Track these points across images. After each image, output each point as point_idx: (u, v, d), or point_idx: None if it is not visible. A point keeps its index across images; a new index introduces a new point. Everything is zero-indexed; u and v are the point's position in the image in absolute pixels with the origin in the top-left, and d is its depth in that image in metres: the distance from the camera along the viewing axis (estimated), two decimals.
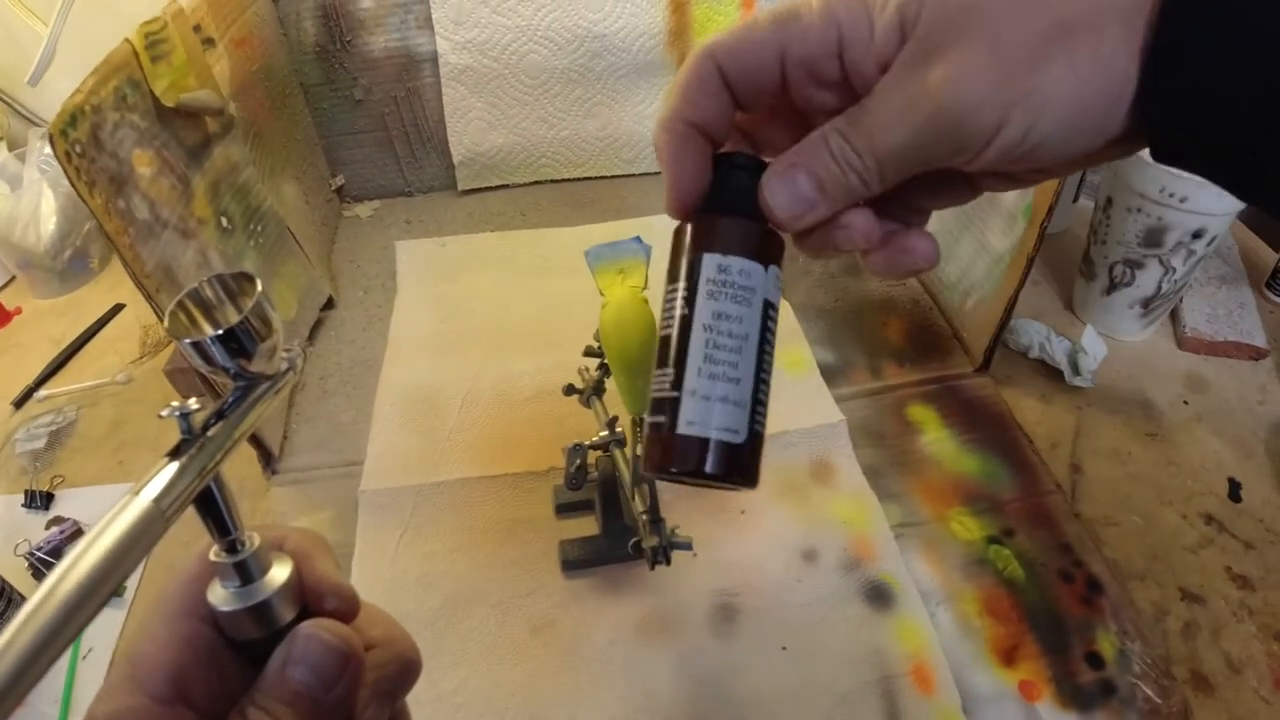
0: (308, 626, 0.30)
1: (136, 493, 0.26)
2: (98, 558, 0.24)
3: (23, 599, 0.73)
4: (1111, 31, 0.28)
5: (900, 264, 0.36)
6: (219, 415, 0.30)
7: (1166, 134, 0.28)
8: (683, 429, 0.33)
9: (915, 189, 0.34)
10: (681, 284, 0.34)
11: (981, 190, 0.36)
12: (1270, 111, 0.26)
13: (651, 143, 1.17)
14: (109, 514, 0.26)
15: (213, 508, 0.29)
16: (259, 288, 0.29)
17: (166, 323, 0.29)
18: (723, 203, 0.35)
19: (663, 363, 0.34)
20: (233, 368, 0.29)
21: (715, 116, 0.35)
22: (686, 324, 0.34)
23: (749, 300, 0.34)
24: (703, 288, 0.34)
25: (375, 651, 0.32)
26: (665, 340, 0.34)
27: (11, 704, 0.21)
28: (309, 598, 0.32)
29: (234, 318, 0.29)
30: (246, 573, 0.30)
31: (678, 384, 0.33)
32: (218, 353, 0.29)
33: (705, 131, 0.35)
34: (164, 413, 0.28)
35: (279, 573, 0.31)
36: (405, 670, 0.33)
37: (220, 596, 0.30)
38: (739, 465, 0.33)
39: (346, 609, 0.32)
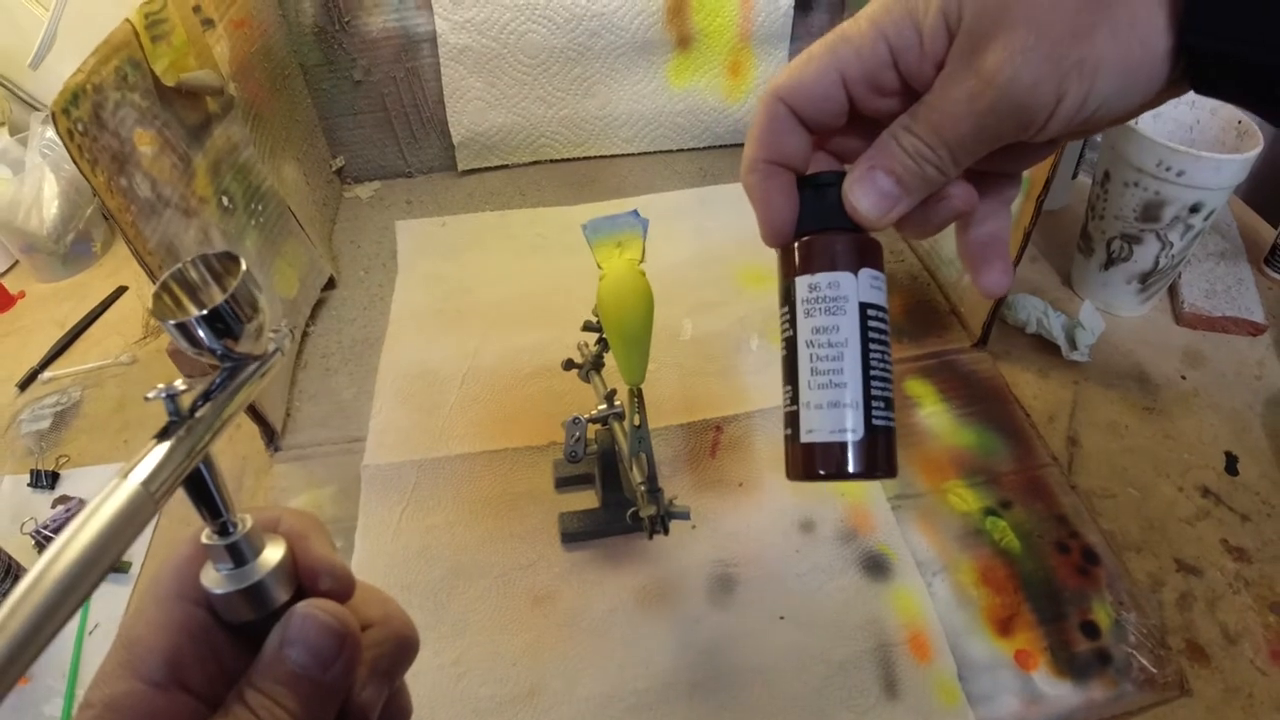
0: (303, 607, 0.30)
1: (125, 475, 0.26)
2: (86, 541, 0.24)
3: None
4: None
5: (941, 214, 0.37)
6: (206, 397, 0.30)
7: (1206, 65, 0.30)
8: (804, 438, 0.36)
9: (998, 157, 0.35)
10: (785, 308, 0.37)
11: (1059, 145, 0.37)
12: None
13: (651, 121, 1.19)
14: (98, 497, 0.25)
15: (203, 490, 0.29)
16: (244, 267, 0.29)
17: (151, 304, 0.29)
18: (810, 223, 0.37)
19: (786, 381, 0.37)
20: (219, 349, 0.29)
21: (793, 150, 0.37)
22: (792, 344, 0.36)
23: (843, 309, 0.36)
24: (800, 308, 0.36)
25: (372, 630, 0.32)
26: (784, 360, 0.37)
27: (6, 687, 0.21)
28: (304, 578, 0.32)
29: (219, 298, 0.28)
30: (239, 554, 0.30)
31: (794, 399, 0.36)
32: (203, 334, 0.28)
33: (788, 165, 0.37)
34: (150, 395, 0.28)
35: (272, 554, 0.31)
36: (402, 649, 0.33)
37: (213, 579, 0.30)
38: (862, 458, 0.35)
39: (342, 589, 0.32)
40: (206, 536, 0.30)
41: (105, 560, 0.25)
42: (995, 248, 0.38)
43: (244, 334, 0.29)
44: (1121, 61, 0.30)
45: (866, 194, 0.35)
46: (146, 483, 0.26)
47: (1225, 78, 0.30)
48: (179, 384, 0.28)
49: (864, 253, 0.37)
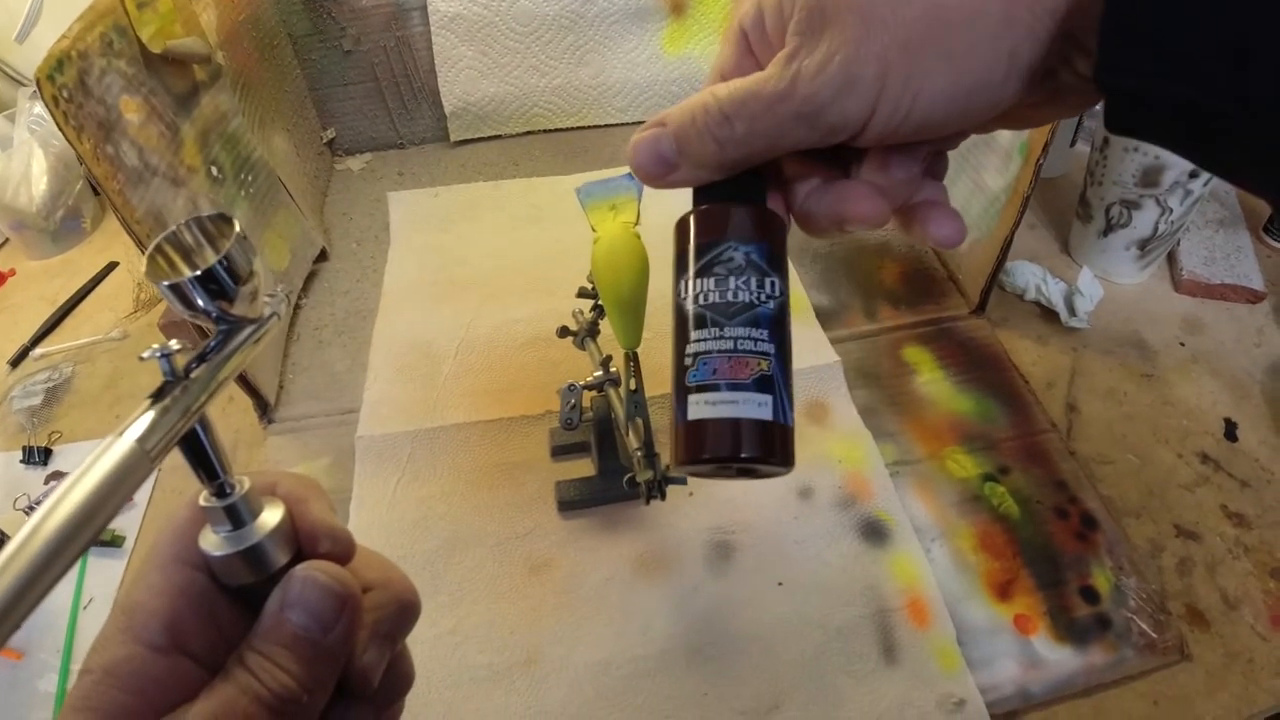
0: (303, 569, 0.30)
1: (120, 434, 0.26)
2: (81, 497, 0.24)
3: None
4: (991, 13, 0.28)
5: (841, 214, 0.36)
6: (202, 358, 0.29)
7: (1122, 104, 0.28)
8: (693, 416, 0.34)
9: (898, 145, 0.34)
10: (680, 275, 0.36)
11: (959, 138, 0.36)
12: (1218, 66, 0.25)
13: (645, 90, 1.18)
14: (92, 454, 0.25)
15: (199, 451, 0.29)
16: (237, 228, 0.29)
17: (145, 266, 0.28)
18: (708, 192, 0.36)
19: (675, 353, 0.35)
20: (214, 310, 0.29)
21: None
22: (683, 313, 0.35)
23: (746, 281, 0.34)
24: (694, 276, 0.35)
25: (373, 594, 0.32)
26: (674, 330, 0.35)
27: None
28: (303, 541, 0.31)
29: (212, 259, 0.28)
30: (237, 516, 0.30)
31: (680, 376, 0.34)
32: (197, 294, 0.28)
33: None
34: (145, 354, 0.28)
35: (270, 516, 0.30)
36: (404, 611, 0.33)
37: (212, 542, 0.30)
38: (757, 443, 0.34)
39: (342, 551, 0.32)
40: (204, 499, 0.30)
41: (100, 517, 0.24)
42: (935, 205, 0.37)
43: (239, 296, 0.29)
44: (952, 86, 0.29)
45: (643, 150, 0.34)
46: (142, 440, 0.26)
47: (1141, 115, 0.28)
48: (174, 344, 0.28)
49: (768, 227, 0.35)
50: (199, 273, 0.28)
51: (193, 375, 0.29)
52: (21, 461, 0.85)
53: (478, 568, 0.72)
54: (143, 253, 0.68)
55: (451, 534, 0.74)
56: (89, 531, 0.24)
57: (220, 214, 0.29)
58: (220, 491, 0.29)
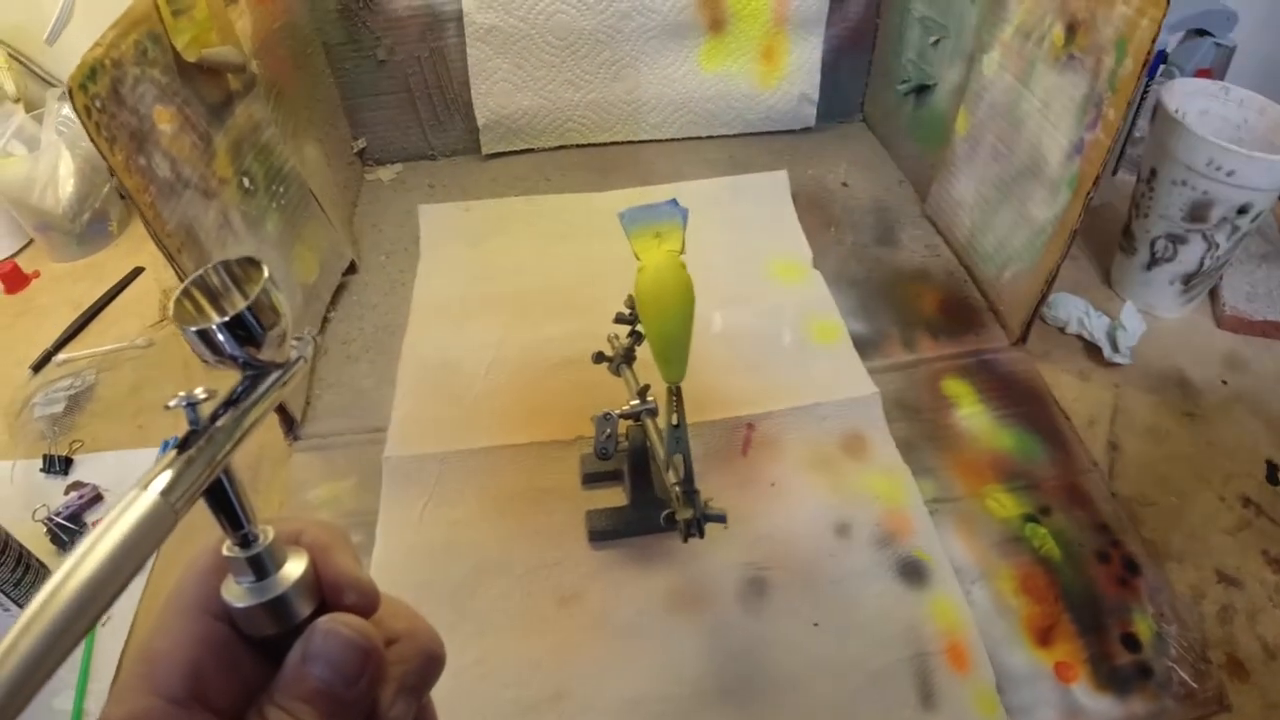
0: (326, 622, 0.29)
1: (144, 486, 0.25)
2: (105, 553, 0.23)
3: (41, 565, 0.72)
4: None
5: None
6: (228, 405, 0.29)
7: None
8: None
9: None
10: None
11: None
12: None
13: (681, 107, 1.17)
14: (116, 509, 0.24)
15: (224, 501, 0.28)
16: (266, 273, 0.28)
17: (172, 311, 0.28)
18: None
19: None
20: (241, 356, 0.28)
21: None
22: None
23: None
24: None
25: (398, 645, 0.31)
26: None
27: (20, 704, 0.20)
28: (328, 592, 0.31)
29: (240, 304, 0.28)
30: (261, 567, 0.29)
31: None
32: (225, 341, 0.27)
33: None
34: (171, 403, 0.27)
35: (294, 567, 0.30)
36: (430, 663, 0.32)
37: (235, 592, 0.29)
38: None
39: (367, 604, 0.31)
40: (227, 549, 0.29)
41: (124, 573, 0.24)
42: None
43: (266, 341, 0.29)
44: None
45: None
46: (166, 493, 0.25)
47: None
48: (199, 392, 0.28)
49: None
50: (227, 318, 0.27)
51: (218, 424, 0.28)
52: (42, 470, 0.84)
53: (505, 597, 0.70)
54: (173, 267, 0.67)
55: (479, 561, 0.72)
56: (112, 589, 0.23)
57: (249, 257, 0.29)
58: (244, 542, 0.29)
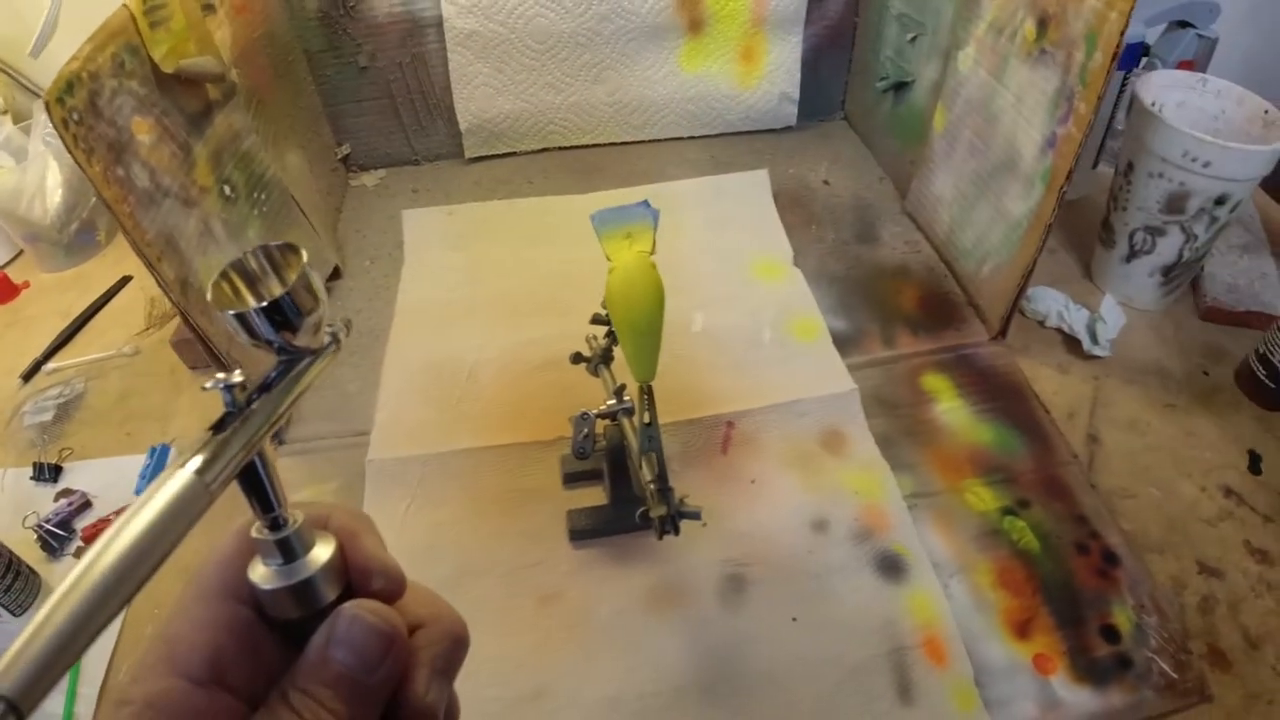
0: (351, 607, 0.29)
1: (181, 465, 0.25)
2: (138, 531, 0.23)
3: (31, 571, 0.73)
4: None
5: None
6: (263, 389, 0.29)
7: None
8: None
9: None
10: None
11: None
12: None
13: (662, 108, 1.17)
14: (151, 486, 0.25)
15: (256, 483, 0.29)
16: (304, 259, 0.29)
17: (210, 294, 0.28)
18: None
19: None
20: (277, 341, 0.29)
21: None
22: None
23: None
24: None
25: (426, 630, 0.31)
26: None
27: (53, 680, 0.21)
28: (355, 576, 0.31)
29: (278, 290, 0.28)
30: (289, 550, 0.29)
31: None
32: (262, 325, 0.28)
33: None
34: (209, 385, 0.28)
35: (322, 551, 0.30)
36: (456, 646, 0.32)
37: (262, 574, 0.29)
38: None
39: (394, 588, 0.31)
40: (257, 531, 0.29)
41: (157, 552, 0.24)
42: None
43: (303, 327, 0.29)
44: None
45: None
46: (201, 472, 0.26)
47: None
48: (237, 375, 0.28)
49: None
50: (265, 303, 0.28)
51: (253, 407, 0.28)
52: (32, 478, 0.84)
53: (487, 597, 0.71)
54: (154, 275, 0.68)
55: (461, 562, 0.73)
56: (147, 566, 0.23)
57: (288, 243, 0.29)
58: (274, 524, 0.29)
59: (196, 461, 0.26)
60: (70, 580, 0.22)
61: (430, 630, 0.31)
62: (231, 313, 0.28)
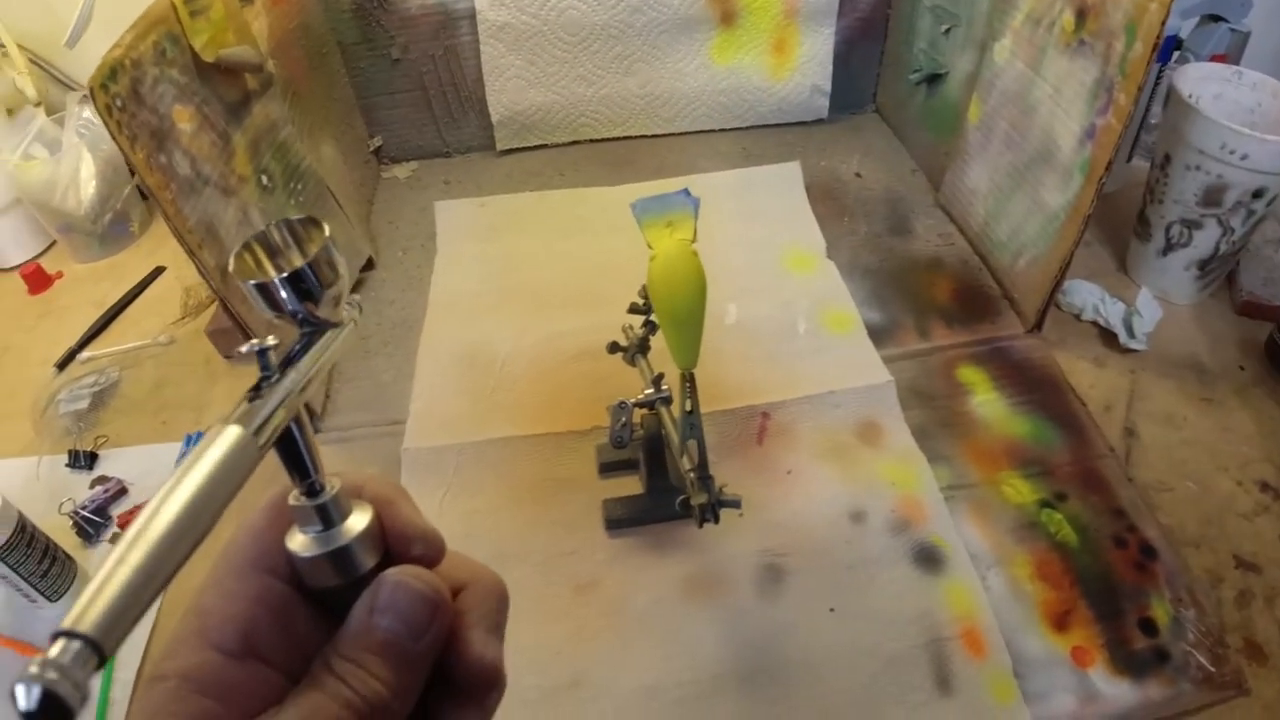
0: (395, 574, 0.29)
1: (227, 423, 0.26)
2: (199, 481, 0.24)
3: (67, 557, 0.74)
4: None
5: None
6: (288, 361, 0.29)
7: None
8: None
9: None
10: None
11: None
12: None
13: (693, 100, 1.17)
14: (201, 444, 0.25)
15: (293, 449, 0.28)
16: (326, 232, 0.29)
17: (232, 265, 0.28)
18: None
19: None
20: (300, 311, 0.29)
21: None
22: None
23: None
24: None
25: (471, 590, 0.31)
26: None
27: (131, 621, 0.21)
28: (394, 543, 0.31)
29: (299, 261, 0.28)
30: (327, 517, 0.29)
31: None
32: (285, 296, 0.28)
33: None
34: (244, 349, 0.28)
35: (359, 519, 0.30)
36: (502, 602, 0.32)
37: (300, 542, 0.29)
38: None
39: (434, 554, 0.31)
40: (294, 498, 0.29)
41: (214, 504, 0.24)
42: None
43: (324, 299, 0.29)
44: None
45: None
46: (248, 427, 0.26)
47: None
48: (270, 340, 0.28)
49: None
50: (288, 273, 0.28)
51: (287, 372, 0.29)
52: (67, 465, 0.85)
53: (522, 586, 0.71)
54: (195, 263, 0.69)
55: (497, 550, 0.73)
56: (208, 515, 0.23)
57: (310, 217, 0.29)
58: (311, 491, 0.29)
59: (244, 418, 0.26)
60: (136, 528, 0.22)
61: (474, 590, 0.31)
62: (253, 283, 0.28)
